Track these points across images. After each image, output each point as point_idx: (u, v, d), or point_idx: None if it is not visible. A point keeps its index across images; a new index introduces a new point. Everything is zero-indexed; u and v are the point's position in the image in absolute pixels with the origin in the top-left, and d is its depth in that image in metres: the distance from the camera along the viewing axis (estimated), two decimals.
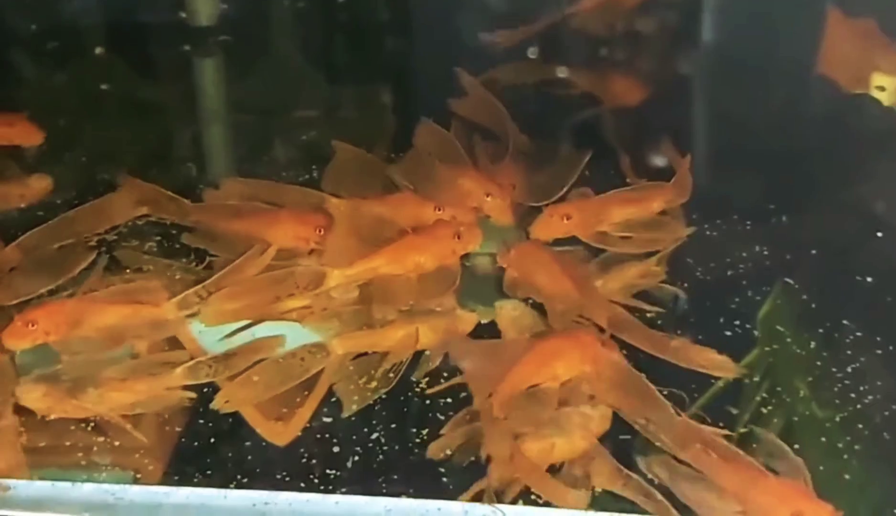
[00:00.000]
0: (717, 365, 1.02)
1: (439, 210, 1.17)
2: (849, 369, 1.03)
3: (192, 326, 1.07)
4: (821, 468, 0.91)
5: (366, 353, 1.03)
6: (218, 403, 0.98)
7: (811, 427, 0.98)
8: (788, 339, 1.06)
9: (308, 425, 0.98)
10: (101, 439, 0.97)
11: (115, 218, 1.21)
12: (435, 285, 1.08)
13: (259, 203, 1.20)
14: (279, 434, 0.98)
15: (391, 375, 1.00)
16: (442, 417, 0.97)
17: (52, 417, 0.98)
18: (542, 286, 1.09)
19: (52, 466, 0.96)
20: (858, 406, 0.99)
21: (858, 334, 1.06)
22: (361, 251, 1.08)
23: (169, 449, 0.97)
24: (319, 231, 1.13)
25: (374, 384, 1.00)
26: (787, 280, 1.13)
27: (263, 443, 0.97)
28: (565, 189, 1.21)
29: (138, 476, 0.94)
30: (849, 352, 1.04)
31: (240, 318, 1.06)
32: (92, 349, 1.03)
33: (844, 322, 1.07)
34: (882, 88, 1.45)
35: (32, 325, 1.02)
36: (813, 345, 1.06)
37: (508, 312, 1.08)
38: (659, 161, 1.31)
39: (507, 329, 1.07)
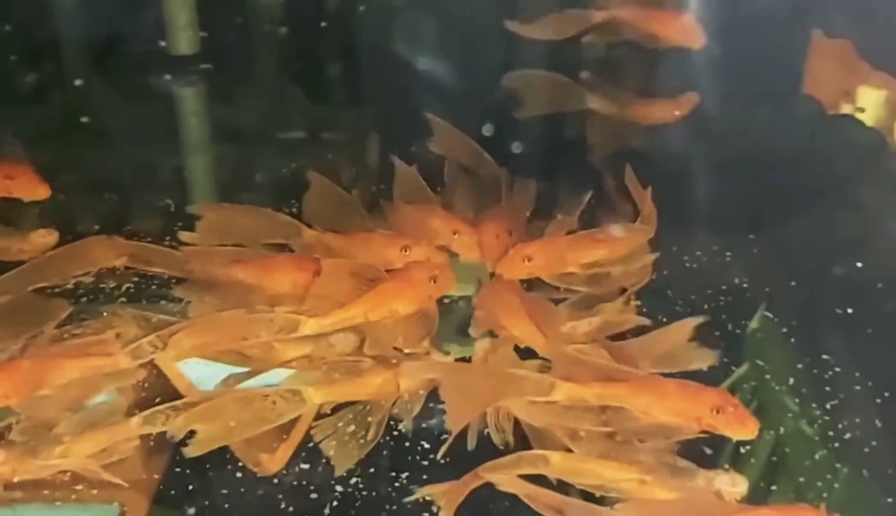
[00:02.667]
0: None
1: (406, 250, 1.16)
2: (828, 405, 1.03)
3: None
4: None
5: (346, 404, 1.02)
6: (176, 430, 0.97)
7: (795, 462, 0.98)
8: (767, 375, 1.07)
9: (286, 470, 0.97)
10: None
11: (92, 263, 1.19)
12: (415, 331, 1.07)
13: (254, 248, 1.18)
14: (265, 464, 0.97)
15: (369, 420, 1.00)
16: (424, 462, 0.97)
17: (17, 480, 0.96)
18: (505, 326, 1.08)
19: (37, 501, 0.95)
20: (837, 444, 0.99)
21: (837, 369, 1.06)
22: (340, 298, 1.07)
23: (153, 483, 0.96)
24: (316, 276, 1.11)
25: (360, 435, 0.99)
26: (766, 313, 1.13)
27: (242, 489, 0.96)
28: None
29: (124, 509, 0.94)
30: (828, 388, 1.04)
31: (201, 355, 1.05)
32: (56, 407, 1.01)
33: (824, 356, 1.07)
34: (862, 110, 1.45)
35: None
36: (792, 380, 1.06)
37: (485, 351, 1.07)
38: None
39: None
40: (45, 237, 1.23)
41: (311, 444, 0.99)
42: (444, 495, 0.93)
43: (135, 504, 0.94)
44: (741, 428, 0.94)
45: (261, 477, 0.96)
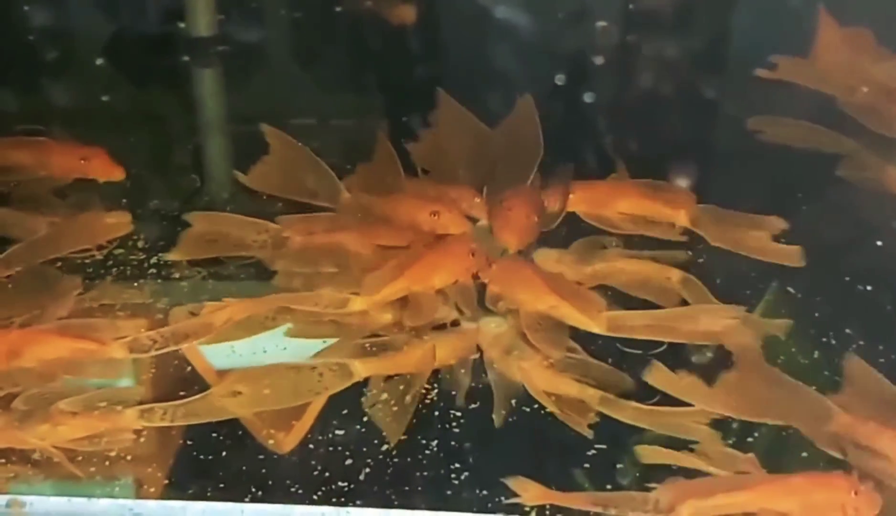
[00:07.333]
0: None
1: (435, 215, 1.18)
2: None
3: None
4: None
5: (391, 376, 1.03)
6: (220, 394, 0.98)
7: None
8: (793, 348, 1.07)
9: (319, 437, 0.98)
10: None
11: (104, 234, 1.21)
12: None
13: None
14: (280, 441, 0.98)
15: (417, 393, 1.00)
16: (457, 429, 0.98)
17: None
18: (524, 301, 1.08)
19: (53, 477, 0.95)
20: None
21: (861, 343, 1.07)
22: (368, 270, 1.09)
23: (169, 459, 0.97)
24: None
25: (405, 405, 1.00)
26: (788, 289, 1.14)
27: (260, 456, 0.96)
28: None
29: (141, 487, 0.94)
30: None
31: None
32: (28, 382, 1.00)
33: (847, 330, 1.08)
34: None
35: None
36: (816, 354, 1.07)
37: (490, 329, 1.08)
38: None
39: (488, 346, 1.06)
40: (118, 218, 1.24)
41: (345, 411, 1.00)
42: None
43: (150, 479, 0.94)
44: None
45: (275, 455, 0.97)
